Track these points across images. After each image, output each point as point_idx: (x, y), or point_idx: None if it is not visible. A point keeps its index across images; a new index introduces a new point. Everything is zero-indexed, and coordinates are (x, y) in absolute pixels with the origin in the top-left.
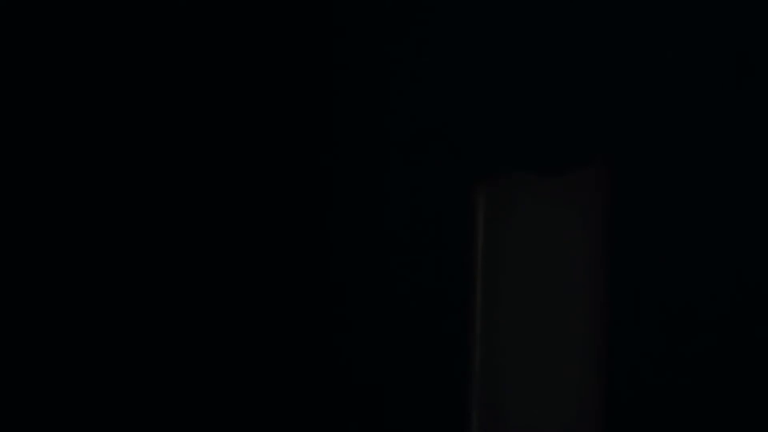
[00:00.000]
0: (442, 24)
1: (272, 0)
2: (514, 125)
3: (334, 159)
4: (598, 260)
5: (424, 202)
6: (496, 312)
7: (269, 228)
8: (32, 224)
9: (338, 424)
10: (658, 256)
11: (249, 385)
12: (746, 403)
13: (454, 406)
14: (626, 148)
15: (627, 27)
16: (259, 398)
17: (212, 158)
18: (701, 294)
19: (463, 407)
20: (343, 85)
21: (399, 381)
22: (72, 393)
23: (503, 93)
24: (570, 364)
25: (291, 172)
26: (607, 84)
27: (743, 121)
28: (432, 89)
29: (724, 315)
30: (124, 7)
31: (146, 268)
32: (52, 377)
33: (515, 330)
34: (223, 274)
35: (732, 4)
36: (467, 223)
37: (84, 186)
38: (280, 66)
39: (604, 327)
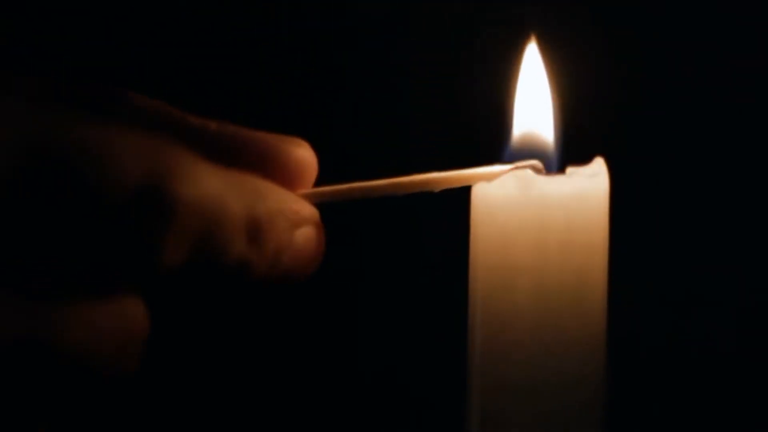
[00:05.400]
0: (438, 25)
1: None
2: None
3: (332, 157)
4: (598, 260)
5: (424, 202)
6: (496, 312)
7: None
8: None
9: (336, 423)
10: (658, 256)
11: (248, 383)
12: (746, 402)
13: (452, 407)
14: (626, 148)
15: (626, 27)
16: (258, 396)
17: None
18: (702, 293)
19: (462, 408)
20: (342, 83)
21: (397, 381)
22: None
23: (503, 92)
24: (570, 363)
25: None
26: (606, 84)
27: (742, 121)
28: (431, 88)
29: (725, 314)
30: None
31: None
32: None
33: (515, 330)
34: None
35: (729, 5)
36: (467, 223)
37: None
38: (281, 67)
39: (603, 327)
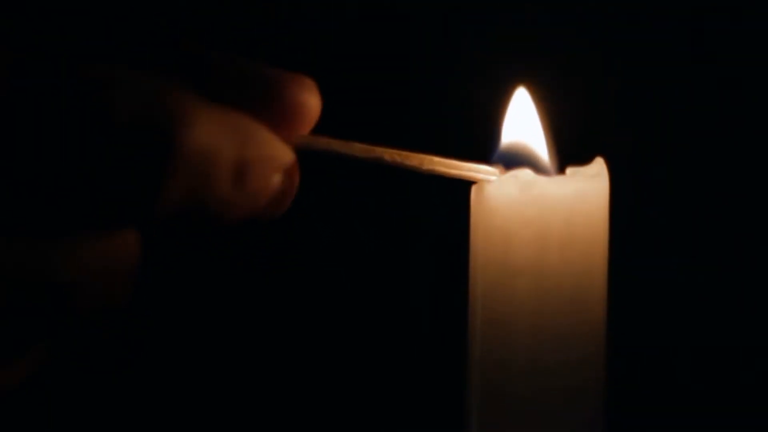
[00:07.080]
0: (434, 26)
1: None
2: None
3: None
4: (598, 260)
5: (423, 201)
6: (496, 312)
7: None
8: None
9: (335, 422)
10: (658, 255)
11: (244, 383)
12: (746, 401)
13: (452, 407)
14: (626, 148)
15: (625, 26)
16: (256, 394)
17: None
18: (702, 293)
19: (462, 408)
20: (341, 82)
21: (397, 381)
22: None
23: (502, 92)
24: (570, 363)
25: None
26: (606, 84)
27: (742, 121)
28: (431, 87)
29: (725, 314)
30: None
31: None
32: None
33: (515, 330)
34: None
35: (726, 5)
36: (467, 222)
37: None
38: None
39: (603, 326)
